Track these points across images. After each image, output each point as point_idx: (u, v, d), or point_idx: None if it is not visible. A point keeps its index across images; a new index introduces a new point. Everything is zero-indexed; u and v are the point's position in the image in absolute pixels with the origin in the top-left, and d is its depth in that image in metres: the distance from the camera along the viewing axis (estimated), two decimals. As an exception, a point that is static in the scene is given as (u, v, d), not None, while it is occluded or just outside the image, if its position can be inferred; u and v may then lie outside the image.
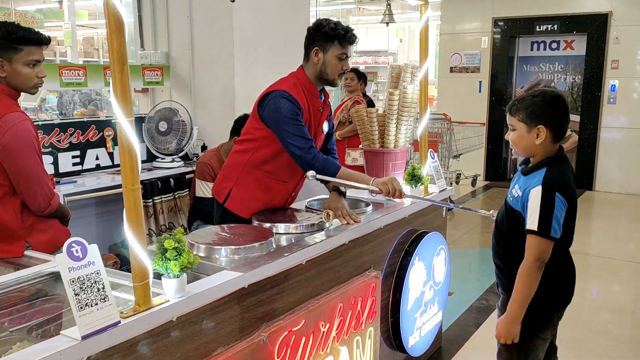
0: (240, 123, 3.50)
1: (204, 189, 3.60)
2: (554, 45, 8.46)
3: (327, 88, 2.65)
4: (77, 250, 1.35)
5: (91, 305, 1.36)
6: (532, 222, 1.96)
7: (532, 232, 1.96)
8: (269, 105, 2.42)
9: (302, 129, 2.40)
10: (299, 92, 2.47)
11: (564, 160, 2.07)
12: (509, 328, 2.04)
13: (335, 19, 2.48)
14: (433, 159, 3.06)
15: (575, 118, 8.20)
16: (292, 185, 2.67)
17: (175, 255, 1.56)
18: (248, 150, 2.56)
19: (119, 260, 3.57)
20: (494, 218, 2.30)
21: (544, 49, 8.54)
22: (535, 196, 1.96)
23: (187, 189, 4.04)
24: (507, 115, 2.10)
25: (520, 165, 2.21)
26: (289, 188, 2.66)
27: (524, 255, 2.06)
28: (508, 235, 2.14)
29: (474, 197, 7.94)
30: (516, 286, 2.02)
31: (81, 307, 1.34)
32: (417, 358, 3.04)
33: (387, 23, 7.64)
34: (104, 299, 1.39)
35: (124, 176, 1.46)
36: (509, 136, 2.11)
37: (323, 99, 2.60)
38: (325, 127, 2.65)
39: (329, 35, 2.44)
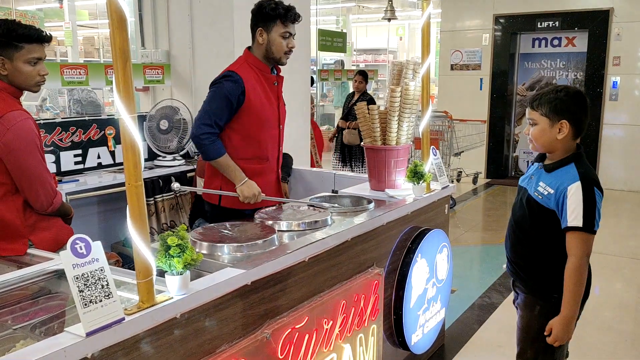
0: None
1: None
2: (556, 42, 8.44)
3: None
4: (81, 247, 1.35)
5: (95, 302, 1.36)
6: (575, 218, 1.94)
7: (576, 228, 1.95)
8: (212, 86, 2.62)
9: (221, 111, 2.53)
10: (247, 69, 2.61)
11: (584, 155, 2.08)
12: (568, 329, 2.01)
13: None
14: (435, 155, 3.06)
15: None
16: (274, 162, 2.78)
17: (179, 252, 1.56)
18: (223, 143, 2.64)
19: (121, 259, 3.57)
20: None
21: (545, 46, 8.52)
22: (576, 192, 1.95)
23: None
24: (528, 110, 2.10)
25: (533, 162, 2.20)
26: (272, 166, 2.77)
27: (545, 251, 2.06)
28: (531, 231, 2.12)
29: (475, 194, 7.93)
30: (567, 286, 1.99)
31: (85, 304, 1.34)
32: (420, 356, 3.04)
33: (389, 19, 7.67)
34: (108, 295, 1.39)
35: (127, 173, 1.45)
36: (529, 131, 2.10)
37: (275, 73, 2.74)
38: (284, 101, 2.82)
39: (270, 15, 2.56)
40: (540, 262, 2.12)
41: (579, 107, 2.04)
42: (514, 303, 2.31)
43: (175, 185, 2.48)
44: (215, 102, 2.55)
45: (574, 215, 1.95)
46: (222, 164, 2.59)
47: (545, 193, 2.05)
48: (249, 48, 2.70)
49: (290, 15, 2.58)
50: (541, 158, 2.16)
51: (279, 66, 2.76)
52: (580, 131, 2.06)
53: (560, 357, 2.14)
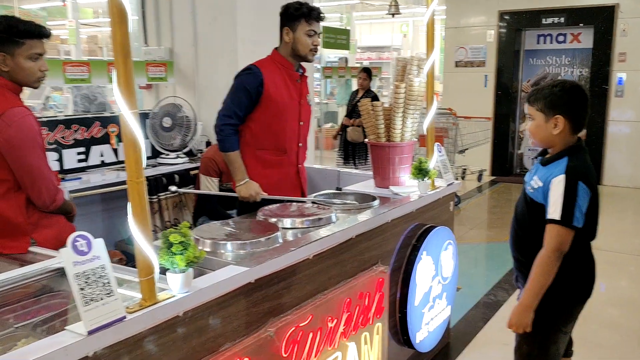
0: None
1: (209, 185, 3.58)
2: (561, 38, 8.38)
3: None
4: (82, 245, 1.33)
5: (96, 300, 1.34)
6: (553, 211, 1.93)
7: (553, 221, 1.93)
8: (234, 80, 2.74)
9: (240, 102, 2.66)
10: (270, 64, 2.74)
11: (584, 149, 2.05)
12: (521, 316, 2.01)
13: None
14: (440, 152, 3.03)
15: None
16: (293, 156, 2.85)
17: (181, 250, 1.54)
18: (242, 134, 2.75)
19: (125, 257, 3.56)
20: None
21: (551, 42, 8.47)
22: (558, 185, 1.93)
23: (192, 185, 4.02)
24: (526, 105, 2.10)
25: (536, 158, 2.19)
26: (291, 159, 2.85)
27: (540, 247, 2.03)
28: (529, 227, 2.11)
29: (480, 192, 7.89)
30: (532, 275, 1.99)
31: (86, 302, 1.32)
32: (425, 354, 3.02)
33: (393, 14, 7.64)
34: (109, 293, 1.37)
35: (129, 169, 1.44)
36: (527, 126, 2.10)
37: (301, 72, 2.86)
38: (309, 99, 2.90)
39: (294, 15, 2.69)
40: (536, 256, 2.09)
41: (576, 102, 2.01)
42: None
43: (173, 188, 2.69)
44: (235, 94, 2.69)
45: (553, 208, 1.93)
46: (231, 159, 2.70)
47: (536, 187, 2.04)
48: (276, 48, 2.82)
49: (314, 14, 2.69)
50: (543, 153, 2.14)
51: (304, 67, 2.90)
52: (579, 126, 2.03)
53: (556, 352, 2.12)
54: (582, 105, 2.03)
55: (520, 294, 2.24)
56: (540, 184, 2.02)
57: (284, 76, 2.77)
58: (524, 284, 2.19)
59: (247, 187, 2.68)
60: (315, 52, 2.79)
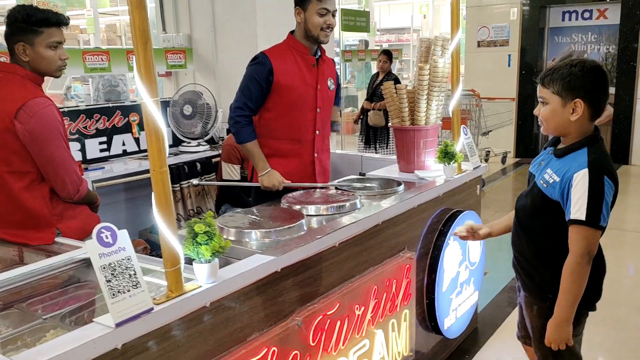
0: None
1: (230, 172, 3.56)
2: (587, 15, 8.14)
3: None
4: (107, 236, 1.31)
5: (123, 292, 1.32)
6: (578, 210, 1.71)
7: (578, 222, 1.72)
8: (246, 68, 2.65)
9: (250, 93, 2.58)
10: (283, 50, 2.64)
11: (602, 140, 1.84)
12: (560, 332, 1.81)
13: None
14: (466, 135, 2.95)
15: (610, 90, 7.93)
16: (308, 145, 2.73)
17: (206, 240, 1.51)
18: (257, 123, 2.68)
19: (149, 245, 3.57)
20: None
21: (576, 19, 8.22)
22: (582, 181, 1.71)
23: (214, 173, 4.01)
24: (539, 87, 1.86)
25: (546, 146, 1.97)
26: (306, 148, 2.73)
27: (542, 247, 1.88)
28: (528, 224, 1.94)
29: (504, 174, 7.76)
30: (564, 285, 1.79)
31: (113, 294, 1.31)
32: (454, 340, 2.98)
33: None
34: (135, 285, 1.35)
35: (152, 159, 1.41)
36: (539, 111, 1.85)
37: (319, 54, 2.72)
38: (330, 83, 2.76)
39: None
40: (536, 259, 1.93)
41: (597, 84, 1.77)
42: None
43: (194, 181, 2.63)
44: (245, 85, 2.61)
45: (577, 207, 1.71)
46: (249, 150, 2.64)
47: (551, 181, 1.81)
48: (291, 32, 2.70)
49: None
50: (555, 142, 1.91)
51: (323, 48, 2.76)
52: (598, 111, 1.79)
53: (572, 355, 1.94)
54: (603, 88, 1.79)
55: (521, 297, 2.06)
56: (557, 178, 1.79)
57: (298, 62, 2.64)
58: (520, 285, 2.04)
59: (270, 177, 2.61)
60: (329, 32, 2.64)
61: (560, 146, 1.87)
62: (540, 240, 1.91)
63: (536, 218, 1.90)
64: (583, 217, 1.71)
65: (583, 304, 1.86)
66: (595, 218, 1.71)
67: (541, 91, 1.84)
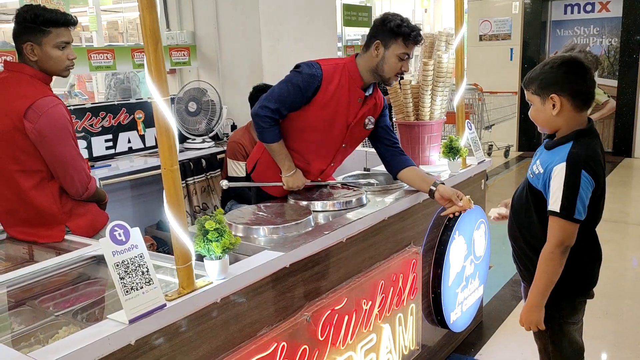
0: (256, 89, 3.47)
1: (236, 169, 3.57)
2: (589, 8, 8.11)
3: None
4: (120, 234, 1.33)
5: (136, 289, 1.35)
6: (554, 202, 1.78)
7: (554, 213, 1.79)
8: (293, 70, 2.41)
9: (287, 98, 2.33)
10: (339, 71, 2.37)
11: (593, 134, 1.87)
12: (529, 315, 1.90)
13: (404, 16, 2.36)
14: (470, 129, 2.96)
15: (612, 83, 7.91)
16: (316, 169, 2.55)
17: (217, 237, 1.53)
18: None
19: (156, 242, 3.60)
20: None
21: (578, 12, 8.20)
22: (559, 174, 1.78)
23: (219, 169, 4.03)
24: (525, 91, 1.95)
25: (544, 139, 2.02)
26: (313, 170, 2.55)
27: (532, 237, 1.92)
28: (521, 213, 1.98)
29: (508, 168, 7.76)
30: (537, 272, 1.86)
31: (127, 291, 1.33)
32: (459, 333, 3.00)
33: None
34: (148, 282, 1.37)
35: (162, 157, 1.42)
36: (530, 113, 1.96)
37: (371, 92, 2.46)
38: (367, 122, 2.50)
39: (393, 32, 2.31)
40: (530, 249, 1.96)
41: (571, 76, 1.83)
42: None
43: (224, 182, 2.40)
44: (286, 89, 2.36)
45: (554, 199, 1.78)
46: (275, 150, 2.44)
47: (537, 172, 1.89)
48: (356, 55, 2.45)
49: (412, 37, 2.32)
50: (553, 135, 1.96)
51: (381, 90, 2.60)
52: (582, 102, 1.84)
53: (572, 343, 1.99)
54: (578, 79, 1.84)
55: (522, 288, 2.12)
56: (541, 170, 1.86)
57: (345, 91, 2.38)
58: (519, 274, 2.09)
59: (295, 179, 2.45)
60: (402, 78, 2.45)
61: (553, 140, 1.94)
62: (532, 230, 1.95)
63: (527, 209, 1.96)
64: (557, 209, 1.78)
65: (577, 292, 1.95)
66: (570, 211, 1.77)
67: (526, 94, 1.95)
